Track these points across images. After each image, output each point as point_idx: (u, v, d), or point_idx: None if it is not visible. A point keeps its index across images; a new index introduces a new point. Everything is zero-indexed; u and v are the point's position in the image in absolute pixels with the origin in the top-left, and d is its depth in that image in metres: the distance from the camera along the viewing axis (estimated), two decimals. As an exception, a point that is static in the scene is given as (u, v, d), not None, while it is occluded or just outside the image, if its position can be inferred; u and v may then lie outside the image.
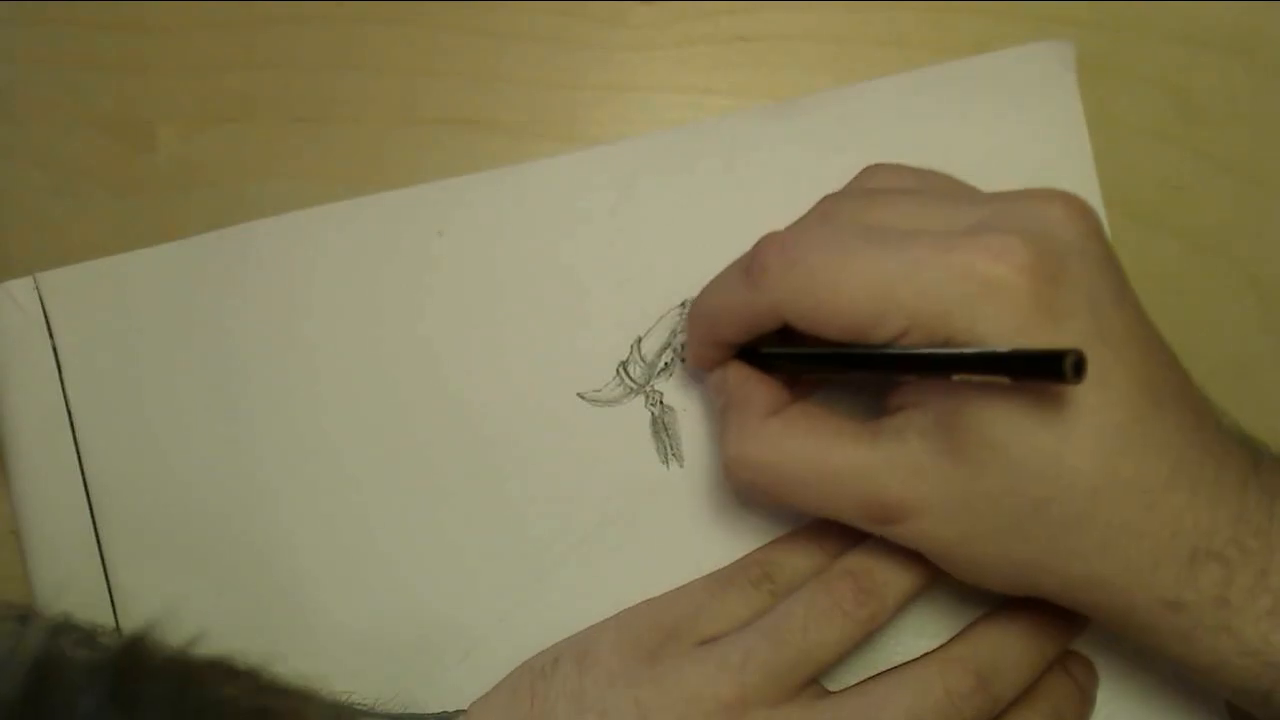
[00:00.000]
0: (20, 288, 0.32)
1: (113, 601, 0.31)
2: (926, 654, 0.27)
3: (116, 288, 0.32)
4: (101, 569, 0.31)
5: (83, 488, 0.31)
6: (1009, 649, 0.27)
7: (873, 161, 0.29)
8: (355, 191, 0.33)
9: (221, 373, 0.32)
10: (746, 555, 0.30)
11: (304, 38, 0.33)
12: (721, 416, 0.28)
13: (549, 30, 0.33)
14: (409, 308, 0.32)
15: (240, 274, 0.32)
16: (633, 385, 0.31)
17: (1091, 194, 0.31)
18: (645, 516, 0.31)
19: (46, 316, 0.32)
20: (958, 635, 0.28)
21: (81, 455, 0.31)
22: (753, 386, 0.27)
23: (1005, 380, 0.22)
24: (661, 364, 0.31)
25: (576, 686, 0.27)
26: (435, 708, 0.30)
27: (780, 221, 0.27)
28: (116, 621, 0.31)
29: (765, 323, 0.26)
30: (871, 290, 0.23)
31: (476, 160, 0.33)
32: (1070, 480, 0.23)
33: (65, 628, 0.25)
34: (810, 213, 0.27)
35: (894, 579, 0.27)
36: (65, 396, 0.31)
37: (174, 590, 0.31)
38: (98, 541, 0.31)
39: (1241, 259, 0.32)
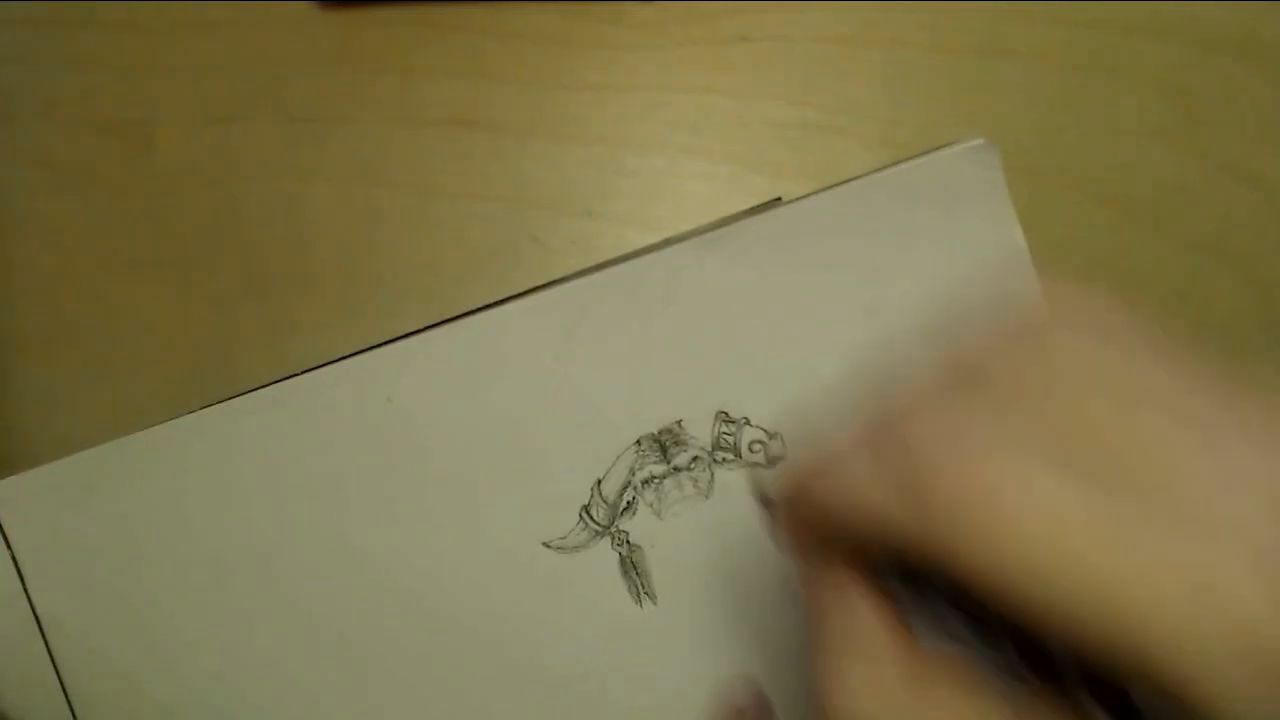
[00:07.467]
0: None
1: None
2: None
3: (69, 490, 0.31)
4: None
5: (63, 696, 0.31)
6: None
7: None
8: (354, 191, 0.33)
9: (186, 566, 0.31)
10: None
11: (304, 38, 0.33)
12: (824, 637, 0.22)
13: (549, 30, 0.33)
14: (367, 476, 0.31)
15: (193, 466, 0.31)
16: (597, 528, 0.31)
17: (1032, 286, 0.30)
18: (625, 660, 0.31)
19: (2, 528, 0.31)
20: None
21: (57, 662, 0.31)
22: (876, 618, 0.21)
23: None
24: (624, 503, 0.31)
25: None
26: None
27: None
28: None
29: (911, 554, 0.18)
30: (1086, 581, 0.16)
31: (476, 160, 0.33)
32: None
33: None
34: (971, 397, 0.19)
35: None
36: (32, 605, 0.31)
37: None
38: None
39: (1241, 259, 0.32)
